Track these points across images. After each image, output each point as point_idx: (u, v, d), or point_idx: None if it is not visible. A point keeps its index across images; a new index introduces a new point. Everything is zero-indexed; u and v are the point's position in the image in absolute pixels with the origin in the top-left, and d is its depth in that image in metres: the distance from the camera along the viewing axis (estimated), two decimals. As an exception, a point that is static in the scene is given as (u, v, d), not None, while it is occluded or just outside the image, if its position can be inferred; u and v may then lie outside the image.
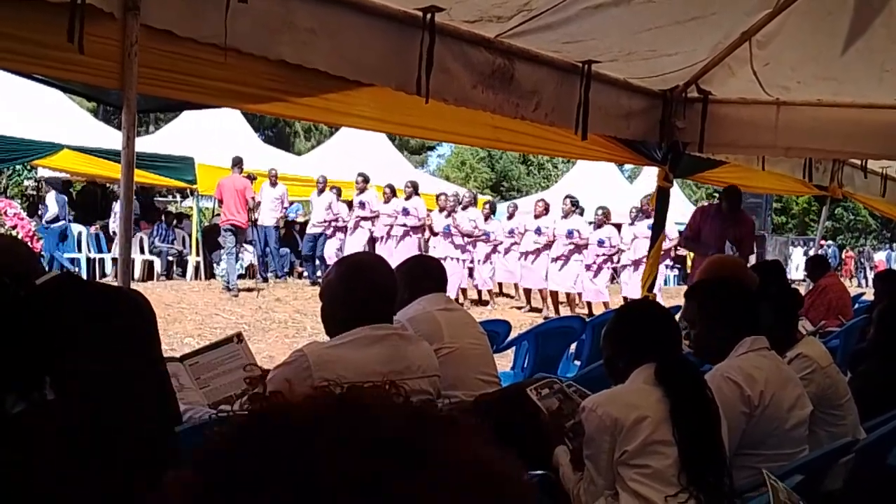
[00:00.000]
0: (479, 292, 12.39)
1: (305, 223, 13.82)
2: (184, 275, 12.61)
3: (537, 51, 3.99)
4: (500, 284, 13.00)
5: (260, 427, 0.55)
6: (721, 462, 2.01)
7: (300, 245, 13.40)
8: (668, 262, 13.30)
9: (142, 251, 12.12)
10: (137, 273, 11.47)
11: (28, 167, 13.00)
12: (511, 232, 12.22)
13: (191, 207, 14.60)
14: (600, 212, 11.39)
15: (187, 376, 2.58)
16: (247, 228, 11.48)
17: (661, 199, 5.74)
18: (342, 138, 16.18)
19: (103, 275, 11.85)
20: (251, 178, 11.40)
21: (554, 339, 4.84)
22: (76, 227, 12.25)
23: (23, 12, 2.44)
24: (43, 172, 12.70)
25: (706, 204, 8.25)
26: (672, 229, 10.17)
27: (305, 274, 12.98)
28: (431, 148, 37.27)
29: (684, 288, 5.13)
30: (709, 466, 1.96)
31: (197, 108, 6.18)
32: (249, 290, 11.07)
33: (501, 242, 12.26)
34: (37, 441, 1.67)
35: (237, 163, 10.96)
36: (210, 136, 13.20)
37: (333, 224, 12.36)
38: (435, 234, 11.90)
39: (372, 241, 12.03)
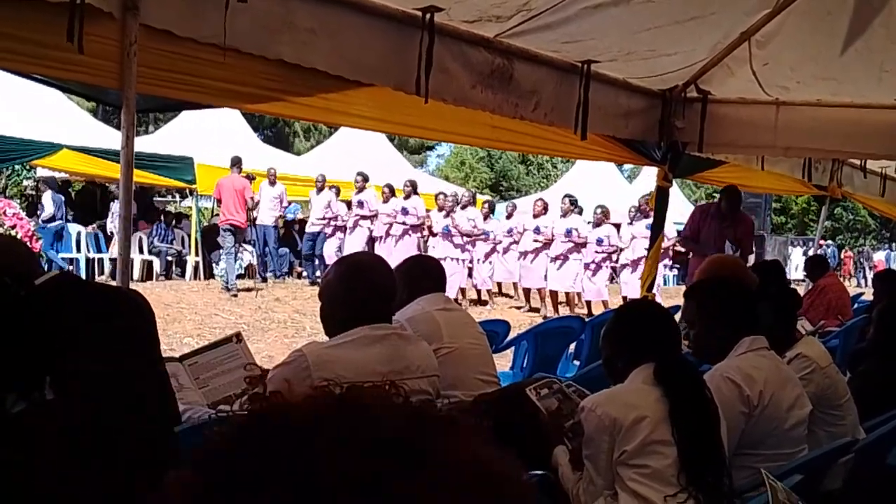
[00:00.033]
0: (479, 292, 12.39)
1: (305, 220, 13.81)
2: (183, 275, 12.60)
3: (536, 51, 3.99)
4: (499, 284, 13.01)
5: (260, 427, 0.55)
6: (720, 462, 2.01)
7: (299, 245, 13.39)
8: (666, 261, 13.28)
9: (141, 251, 12.10)
10: (136, 273, 11.45)
11: (27, 167, 12.98)
12: (510, 231, 12.23)
13: (190, 207, 14.59)
14: (599, 210, 11.39)
15: (186, 376, 2.58)
16: (246, 228, 11.47)
17: (660, 199, 5.74)
18: (341, 138, 16.17)
19: (102, 275, 11.84)
20: (250, 177, 11.39)
21: (553, 338, 4.84)
22: (74, 227, 12.22)
23: (22, 12, 2.44)
24: (42, 172, 12.68)
25: (705, 204, 8.24)
26: (671, 229, 10.18)
27: (305, 274, 12.96)
28: (431, 148, 37.29)
29: (683, 288, 5.13)
30: (708, 466, 1.96)
31: (196, 108, 6.16)
32: (249, 289, 11.06)
33: (500, 242, 12.27)
34: (37, 441, 1.67)
35: (236, 163, 10.95)
36: (209, 136, 13.19)
37: (333, 223, 12.36)
38: (434, 234, 11.90)
39: (371, 240, 12.03)
